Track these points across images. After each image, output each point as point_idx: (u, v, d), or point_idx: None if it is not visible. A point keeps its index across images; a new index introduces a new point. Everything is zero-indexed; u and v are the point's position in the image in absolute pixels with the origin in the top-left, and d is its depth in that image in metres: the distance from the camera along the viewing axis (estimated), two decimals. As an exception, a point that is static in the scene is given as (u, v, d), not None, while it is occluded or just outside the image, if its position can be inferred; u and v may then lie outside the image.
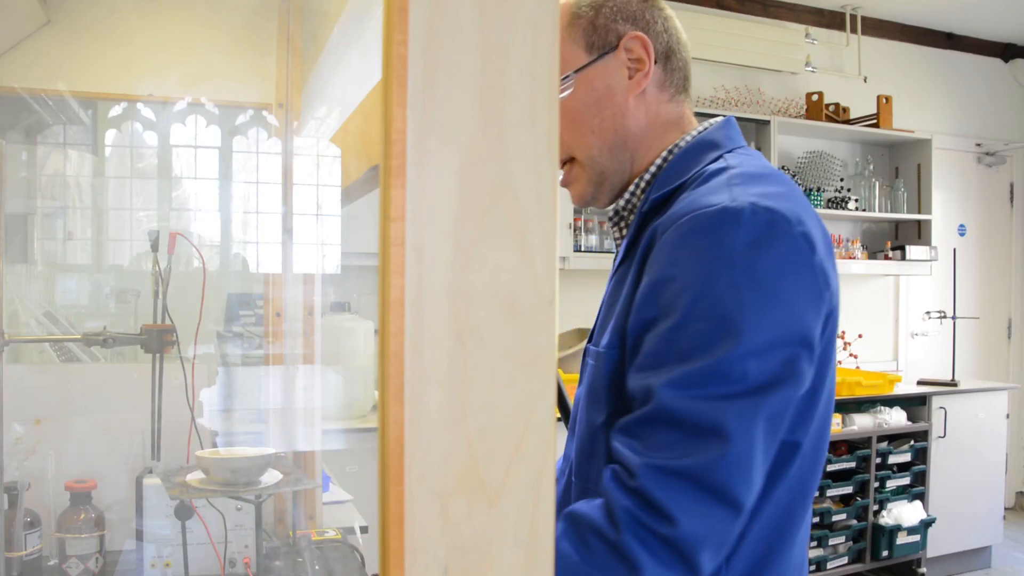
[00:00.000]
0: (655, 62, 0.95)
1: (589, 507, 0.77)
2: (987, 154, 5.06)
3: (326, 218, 1.70)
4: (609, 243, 3.77)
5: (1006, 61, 5.15)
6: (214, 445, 1.53)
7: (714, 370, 0.74)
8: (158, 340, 1.46)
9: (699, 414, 0.74)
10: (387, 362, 0.40)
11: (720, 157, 0.91)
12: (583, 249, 3.69)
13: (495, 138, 0.41)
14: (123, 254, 2.70)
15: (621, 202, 0.98)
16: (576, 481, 0.93)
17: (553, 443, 0.43)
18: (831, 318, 0.82)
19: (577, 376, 3.23)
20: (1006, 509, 4.64)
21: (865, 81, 4.62)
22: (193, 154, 2.86)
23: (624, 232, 0.99)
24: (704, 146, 0.93)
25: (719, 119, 0.98)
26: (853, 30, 4.57)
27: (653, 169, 0.96)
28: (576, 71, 0.94)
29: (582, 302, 3.93)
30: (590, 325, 3.59)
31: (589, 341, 0.99)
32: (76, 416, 1.56)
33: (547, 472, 0.42)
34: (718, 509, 0.74)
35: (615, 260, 0.98)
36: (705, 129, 0.96)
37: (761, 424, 0.75)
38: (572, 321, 3.73)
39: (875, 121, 4.40)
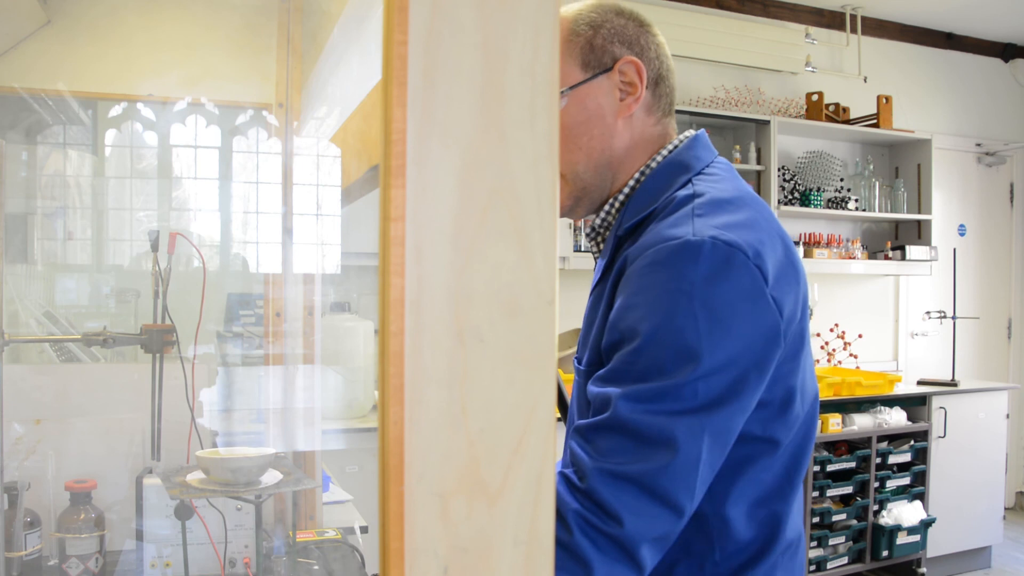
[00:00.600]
0: (646, 87, 0.98)
1: None
2: (987, 154, 5.06)
3: (326, 218, 1.70)
4: (609, 243, 3.78)
5: (1006, 61, 5.15)
6: (214, 445, 1.53)
7: (668, 389, 0.81)
8: (158, 340, 1.46)
9: (650, 426, 0.80)
10: (387, 362, 0.40)
11: (689, 182, 0.94)
12: (583, 249, 3.69)
13: (495, 138, 0.41)
14: (123, 254, 2.70)
15: (597, 220, 1.02)
16: None
17: (553, 443, 0.43)
18: (789, 334, 0.88)
19: (577, 376, 3.12)
20: (1006, 509, 4.64)
21: (865, 81, 4.62)
22: (193, 154, 2.86)
23: (601, 248, 1.04)
24: (673, 168, 0.97)
25: (688, 136, 1.01)
26: (853, 30, 4.57)
27: (627, 190, 0.99)
28: (571, 88, 0.96)
29: (582, 302, 3.91)
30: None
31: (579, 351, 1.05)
32: (76, 416, 1.56)
33: (547, 472, 0.42)
34: (660, 512, 0.81)
35: (594, 277, 1.03)
36: (675, 148, 0.99)
37: (707, 438, 0.82)
38: (572, 321, 3.72)
39: (875, 121, 4.40)
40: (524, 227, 0.42)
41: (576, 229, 3.67)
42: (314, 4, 1.58)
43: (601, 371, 0.87)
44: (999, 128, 5.11)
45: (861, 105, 4.51)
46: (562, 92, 0.95)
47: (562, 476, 0.83)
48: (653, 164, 0.99)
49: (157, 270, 1.50)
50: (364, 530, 1.68)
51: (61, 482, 1.45)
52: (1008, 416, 4.28)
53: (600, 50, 0.97)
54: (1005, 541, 4.30)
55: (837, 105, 4.40)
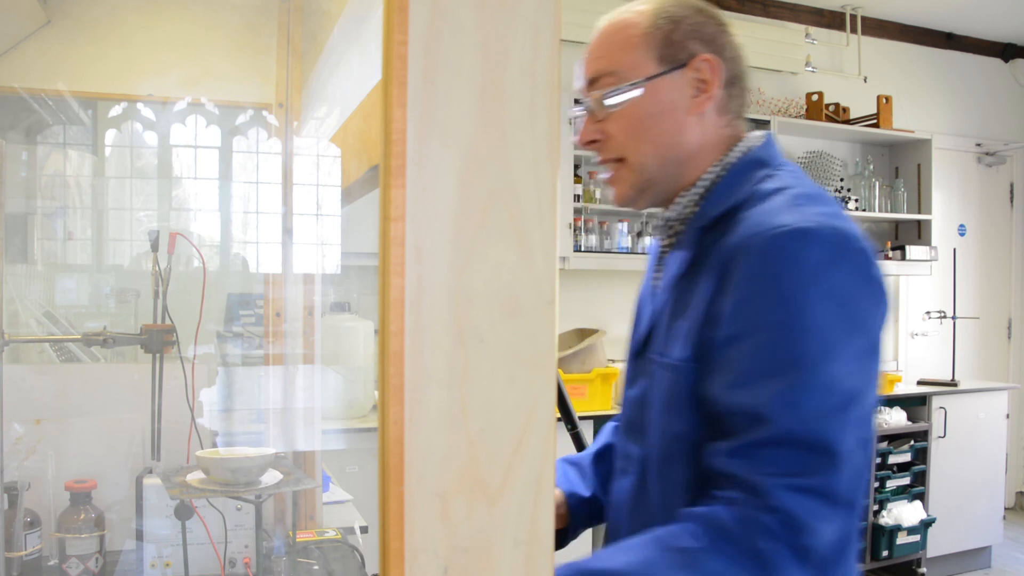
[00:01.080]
0: (720, 87, 0.98)
1: (727, 517, 0.82)
2: (987, 154, 5.06)
3: (326, 218, 1.70)
4: (609, 243, 3.77)
5: (1006, 61, 5.15)
6: (214, 445, 1.53)
7: (813, 385, 0.81)
8: (158, 340, 1.46)
9: (812, 433, 0.81)
10: (387, 362, 0.40)
11: (770, 176, 0.95)
12: (583, 249, 3.69)
13: (495, 138, 0.41)
14: (123, 254, 2.70)
15: (672, 213, 1.01)
16: (659, 484, 0.97)
17: (553, 443, 0.43)
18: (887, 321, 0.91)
19: (577, 376, 3.24)
20: (1006, 509, 4.64)
21: (865, 81, 4.61)
22: (193, 154, 2.86)
23: (671, 240, 1.03)
24: (754, 164, 0.98)
25: (760, 135, 1.02)
26: (853, 30, 4.57)
27: (705, 183, 0.99)
28: (645, 79, 0.96)
29: (582, 302, 3.92)
30: (590, 325, 3.60)
31: (644, 347, 1.02)
32: (76, 416, 1.56)
33: (547, 472, 0.42)
34: (845, 515, 0.82)
35: (667, 269, 1.01)
36: (751, 147, 1.00)
37: (856, 429, 0.83)
38: (572, 321, 3.73)
39: (875, 121, 4.40)
40: (524, 227, 0.42)
41: (576, 229, 3.67)
42: (314, 4, 1.58)
43: (730, 375, 0.86)
44: (999, 128, 5.11)
45: (861, 105, 4.51)
46: (636, 83, 0.96)
47: (745, 488, 0.82)
48: (731, 159, 0.99)
49: (157, 270, 1.50)
50: (364, 530, 1.68)
51: (61, 482, 1.45)
52: (1008, 416, 4.28)
53: (678, 45, 0.97)
54: (1005, 541, 4.30)
55: (837, 105, 4.39)
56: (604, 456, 1.20)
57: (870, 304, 0.85)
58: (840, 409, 0.82)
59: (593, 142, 1.01)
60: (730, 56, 0.99)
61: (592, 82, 1.00)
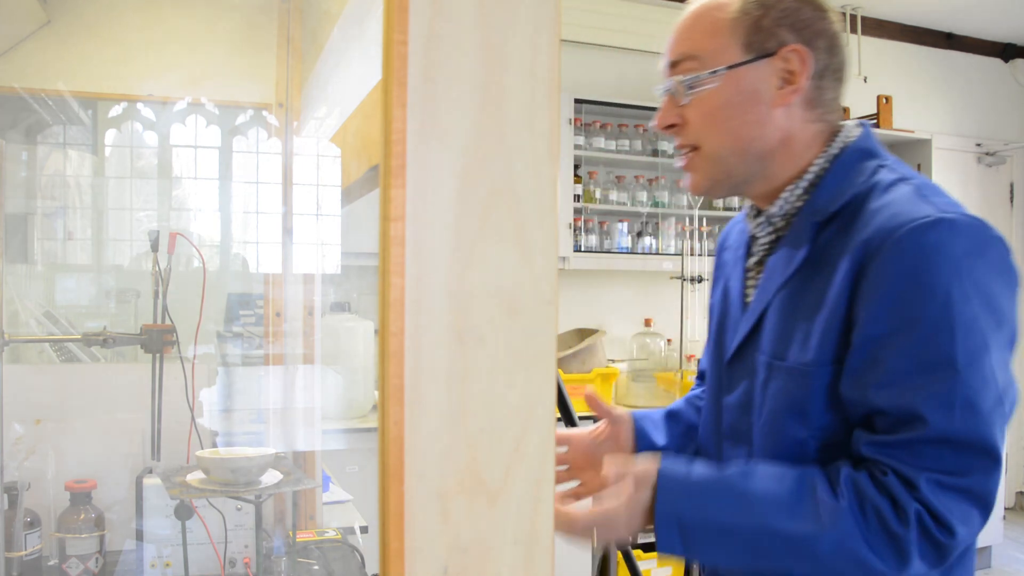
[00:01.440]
0: (809, 78, 0.92)
1: (876, 493, 0.81)
2: (987, 154, 5.06)
3: (326, 218, 1.70)
4: (609, 243, 3.77)
5: (1006, 61, 5.15)
6: (214, 445, 1.53)
7: (970, 384, 0.79)
8: (158, 340, 1.46)
9: (972, 433, 0.80)
10: (387, 362, 0.40)
11: (882, 167, 0.92)
12: (583, 249, 3.69)
13: (495, 138, 0.41)
14: (123, 254, 2.70)
15: (775, 208, 0.97)
16: None
17: (552, 443, 0.43)
18: None
19: (577, 376, 3.23)
20: (1006, 509, 4.64)
21: (865, 81, 4.62)
22: (193, 154, 2.86)
23: (771, 234, 0.98)
24: (861, 155, 0.94)
25: (856, 125, 0.98)
26: (853, 30, 4.57)
27: (810, 177, 0.94)
28: (728, 67, 0.91)
29: (582, 302, 3.92)
30: (590, 325, 3.60)
31: (741, 350, 0.98)
32: (76, 416, 1.56)
33: (547, 472, 0.42)
34: (982, 516, 0.82)
35: (772, 268, 0.96)
36: (851, 138, 0.95)
37: (1003, 428, 0.82)
38: (572, 321, 3.73)
39: (875, 121, 4.40)
40: (524, 227, 0.42)
41: (576, 229, 3.67)
42: (314, 4, 1.58)
43: (878, 374, 0.83)
44: (999, 128, 5.11)
45: (861, 105, 4.51)
46: (719, 71, 0.91)
47: (896, 477, 0.81)
48: (835, 151, 0.94)
49: (157, 270, 1.50)
50: (364, 530, 1.68)
51: (61, 482, 1.45)
52: (1008, 416, 4.28)
53: (766, 33, 0.91)
54: (1005, 541, 4.29)
55: (837, 105, 4.40)
56: (675, 417, 1.17)
57: (1009, 293, 0.83)
58: (995, 406, 0.80)
59: (672, 126, 0.96)
60: (824, 46, 0.93)
61: (675, 64, 0.95)
